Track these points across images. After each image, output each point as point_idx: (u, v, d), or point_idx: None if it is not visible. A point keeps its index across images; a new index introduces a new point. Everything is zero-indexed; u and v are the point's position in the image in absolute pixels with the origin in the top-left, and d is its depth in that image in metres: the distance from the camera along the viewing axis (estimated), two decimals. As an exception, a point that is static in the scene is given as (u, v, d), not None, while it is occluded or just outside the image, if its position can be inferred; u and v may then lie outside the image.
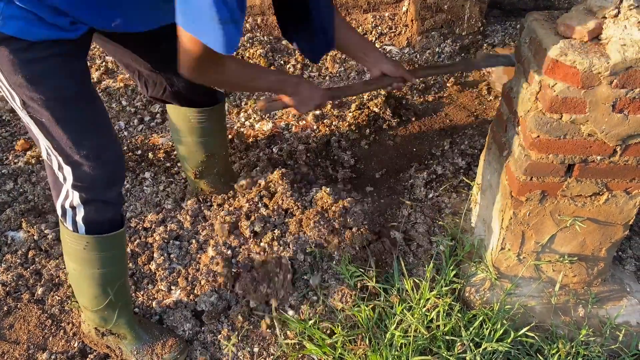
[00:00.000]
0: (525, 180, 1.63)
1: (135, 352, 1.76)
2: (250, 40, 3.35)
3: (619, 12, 1.40)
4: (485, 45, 3.21)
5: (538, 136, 1.53)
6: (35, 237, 2.10)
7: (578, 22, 1.43)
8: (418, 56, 3.21)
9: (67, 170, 1.48)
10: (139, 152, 2.60)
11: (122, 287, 1.72)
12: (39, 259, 2.04)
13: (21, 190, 2.35)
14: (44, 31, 1.32)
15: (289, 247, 1.95)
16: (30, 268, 2.02)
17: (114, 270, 1.67)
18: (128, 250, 2.02)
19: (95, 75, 3.13)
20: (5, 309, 1.93)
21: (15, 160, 2.54)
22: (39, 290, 1.96)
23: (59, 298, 1.95)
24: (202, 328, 1.86)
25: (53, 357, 1.80)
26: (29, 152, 2.58)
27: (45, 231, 2.11)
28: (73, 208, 1.53)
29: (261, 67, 2.32)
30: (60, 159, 1.47)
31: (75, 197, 1.51)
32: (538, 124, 1.51)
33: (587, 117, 1.46)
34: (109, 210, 1.59)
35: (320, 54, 1.83)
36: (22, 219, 2.16)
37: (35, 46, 1.32)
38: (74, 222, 1.55)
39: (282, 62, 3.24)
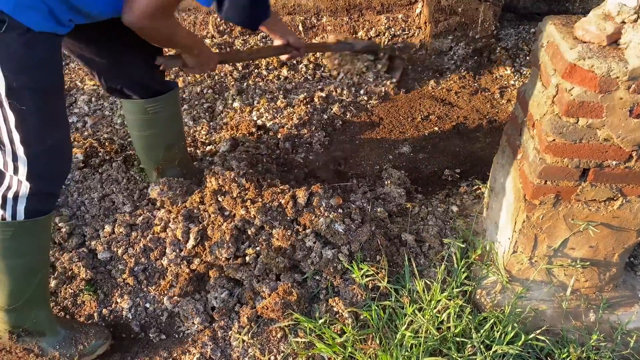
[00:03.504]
0: (539, 184, 1.63)
1: (57, 347, 1.74)
2: (264, 40, 3.37)
3: (638, 17, 1.40)
4: (498, 49, 3.21)
5: (554, 140, 1.53)
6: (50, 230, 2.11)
7: (596, 27, 1.43)
8: (431, 58, 3.21)
9: (23, 160, 1.51)
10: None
11: (42, 280, 1.72)
12: (52, 252, 2.06)
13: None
14: (50, 24, 1.43)
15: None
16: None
17: (35, 260, 1.67)
18: (141, 245, 2.03)
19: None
20: (19, 300, 1.95)
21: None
22: (52, 283, 1.97)
23: (72, 291, 1.96)
24: (213, 324, 1.87)
25: (65, 349, 1.81)
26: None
27: (59, 224, 2.12)
28: (16, 198, 1.55)
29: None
30: (20, 150, 1.49)
31: (23, 188, 1.54)
32: (554, 128, 1.52)
33: (603, 122, 1.46)
34: (52, 202, 1.65)
35: (259, 21, 2.10)
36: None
37: (38, 36, 1.41)
38: (13, 212, 1.56)
39: (294, 61, 3.25)
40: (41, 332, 1.74)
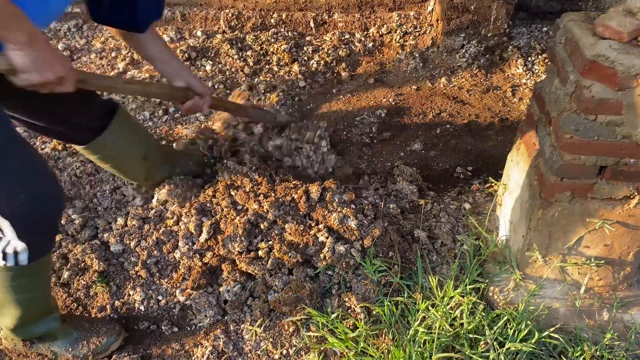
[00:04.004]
0: (555, 181, 1.62)
1: (70, 349, 1.74)
2: (275, 36, 3.37)
3: (659, 13, 1.39)
4: (510, 47, 3.20)
5: (571, 137, 1.52)
6: (63, 222, 2.12)
7: (617, 23, 1.42)
8: (443, 56, 3.21)
9: (6, 224, 1.43)
10: (163, 142, 2.62)
11: (47, 299, 1.71)
12: (65, 244, 2.07)
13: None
14: None
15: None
16: (57, 252, 2.04)
17: (40, 293, 1.67)
18: (154, 237, 2.03)
19: (120, 65, 3.17)
20: (32, 291, 1.96)
21: (42, 147, 2.57)
22: (65, 274, 1.98)
23: (85, 282, 1.97)
24: (225, 317, 1.87)
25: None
26: (55, 140, 2.61)
27: (73, 216, 2.13)
28: (16, 253, 1.50)
29: None
30: None
31: (19, 245, 1.48)
32: (572, 125, 1.51)
33: (622, 119, 1.45)
34: (52, 239, 1.61)
35: (148, 21, 1.80)
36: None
37: None
38: (16, 261, 1.51)
39: (305, 58, 3.25)
40: (53, 337, 1.75)
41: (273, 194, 2.06)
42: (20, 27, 1.23)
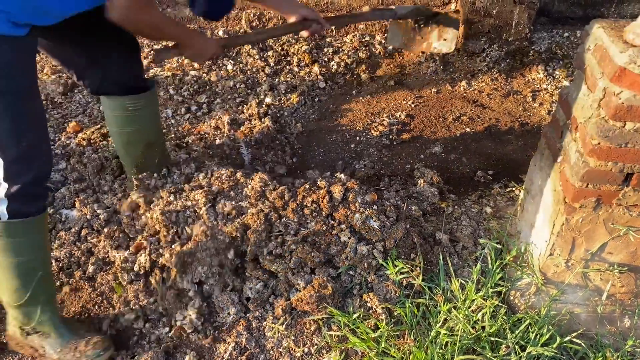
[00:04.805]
0: (580, 187, 1.63)
1: (58, 351, 1.76)
2: (296, 37, 3.39)
3: (691, 22, 1.39)
4: (531, 52, 3.20)
5: (598, 143, 1.53)
6: (88, 217, 2.16)
7: (648, 31, 1.42)
8: (463, 59, 3.21)
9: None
10: (185, 139, 2.66)
11: (44, 279, 1.73)
12: (91, 238, 2.10)
13: (74, 170, 2.42)
14: (5, 26, 1.42)
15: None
16: (83, 247, 2.08)
17: (33, 259, 1.69)
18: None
19: (144, 63, 3.20)
20: (58, 283, 1.99)
21: (67, 142, 2.61)
22: (90, 269, 2.01)
23: (109, 277, 2.00)
24: (247, 314, 1.89)
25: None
26: (80, 135, 2.65)
27: (98, 211, 2.16)
28: None
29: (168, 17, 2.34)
30: None
31: (1, 189, 1.56)
32: (599, 131, 1.51)
33: (651, 127, 1.45)
34: (37, 204, 1.66)
35: (222, 12, 1.99)
36: (76, 199, 2.22)
37: None
38: None
39: (325, 59, 3.27)
40: (47, 333, 1.77)
41: (296, 194, 2.08)
42: (187, 36, 1.86)
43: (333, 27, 2.68)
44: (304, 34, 2.24)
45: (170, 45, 1.93)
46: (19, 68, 1.51)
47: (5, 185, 1.56)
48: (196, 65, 3.15)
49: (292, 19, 2.21)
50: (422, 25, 2.73)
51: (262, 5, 2.20)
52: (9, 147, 1.53)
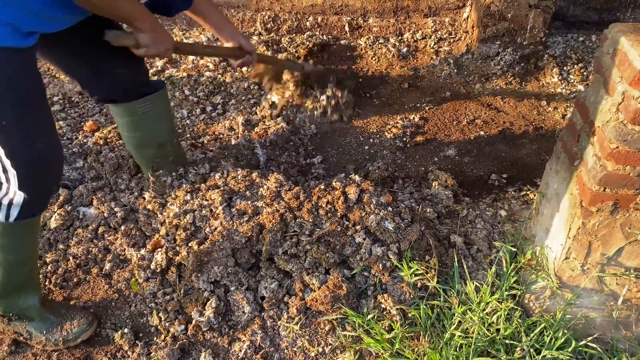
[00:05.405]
0: (598, 191, 1.62)
1: (45, 332, 1.81)
2: (310, 39, 3.41)
3: None
4: (546, 56, 3.19)
5: (617, 147, 1.53)
6: (105, 215, 2.18)
7: (668, 35, 1.42)
8: (477, 63, 3.21)
9: (12, 173, 1.56)
10: (200, 140, 2.68)
11: (33, 268, 1.79)
12: (107, 235, 2.12)
13: (91, 168, 2.45)
14: (12, 38, 1.44)
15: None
16: (100, 244, 2.10)
17: (29, 252, 1.74)
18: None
19: (159, 64, 3.24)
20: (75, 280, 2.02)
21: (84, 140, 2.64)
22: (107, 266, 2.03)
23: (126, 275, 2.02)
24: (262, 313, 1.90)
25: (119, 329, 1.87)
26: (97, 134, 2.68)
27: (115, 209, 2.19)
28: (10, 205, 1.61)
29: None
30: (7, 163, 1.54)
31: (17, 197, 1.59)
32: (618, 135, 1.51)
33: (671, 131, 1.45)
34: (44, 204, 1.71)
35: (177, 9, 1.98)
36: (94, 197, 2.25)
37: (3, 52, 1.43)
38: (6, 215, 1.62)
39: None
40: (30, 318, 1.82)
41: (311, 194, 2.09)
42: (146, 18, 1.72)
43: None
44: (234, 62, 2.31)
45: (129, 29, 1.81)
46: (27, 79, 1.53)
47: (21, 193, 1.60)
48: (210, 65, 3.17)
49: (229, 45, 2.24)
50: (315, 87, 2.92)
51: (206, 25, 2.18)
52: (21, 156, 1.55)
